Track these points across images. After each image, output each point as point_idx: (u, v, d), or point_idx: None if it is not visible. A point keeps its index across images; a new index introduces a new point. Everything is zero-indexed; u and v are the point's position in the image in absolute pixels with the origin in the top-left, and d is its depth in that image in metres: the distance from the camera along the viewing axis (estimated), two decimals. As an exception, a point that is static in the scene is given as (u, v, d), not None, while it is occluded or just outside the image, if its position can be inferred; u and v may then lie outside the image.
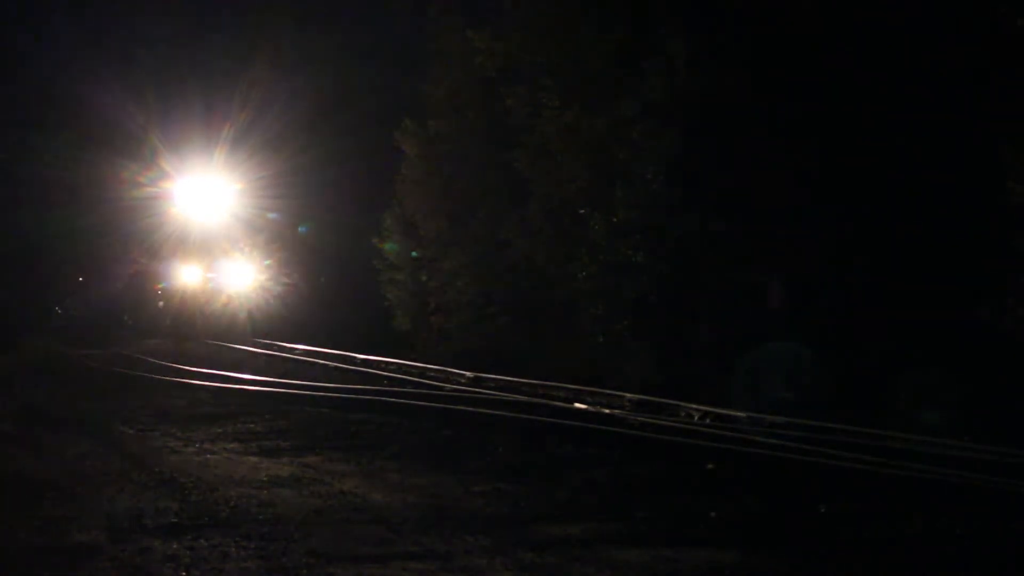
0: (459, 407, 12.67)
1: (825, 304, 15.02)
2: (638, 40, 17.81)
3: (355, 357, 20.73)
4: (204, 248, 30.73)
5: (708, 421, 11.86)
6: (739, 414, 11.79)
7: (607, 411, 12.58)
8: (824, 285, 15.24)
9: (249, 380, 17.07)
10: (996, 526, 7.04)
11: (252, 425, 12.36)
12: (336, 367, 19.80)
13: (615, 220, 17.78)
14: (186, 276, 30.84)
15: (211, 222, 30.60)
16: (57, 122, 34.76)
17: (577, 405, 13.34)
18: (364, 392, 14.61)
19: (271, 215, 30.11)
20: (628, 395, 13.42)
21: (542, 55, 20.17)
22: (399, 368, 19.05)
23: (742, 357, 14.26)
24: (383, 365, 19.48)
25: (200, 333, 28.29)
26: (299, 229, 30.70)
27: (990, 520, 7.14)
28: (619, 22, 18.42)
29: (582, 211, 18.89)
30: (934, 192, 13.86)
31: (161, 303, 31.83)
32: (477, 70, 22.48)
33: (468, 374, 17.06)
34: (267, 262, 30.77)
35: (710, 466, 9.10)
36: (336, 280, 29.54)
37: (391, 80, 27.66)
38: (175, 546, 6.66)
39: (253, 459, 10.00)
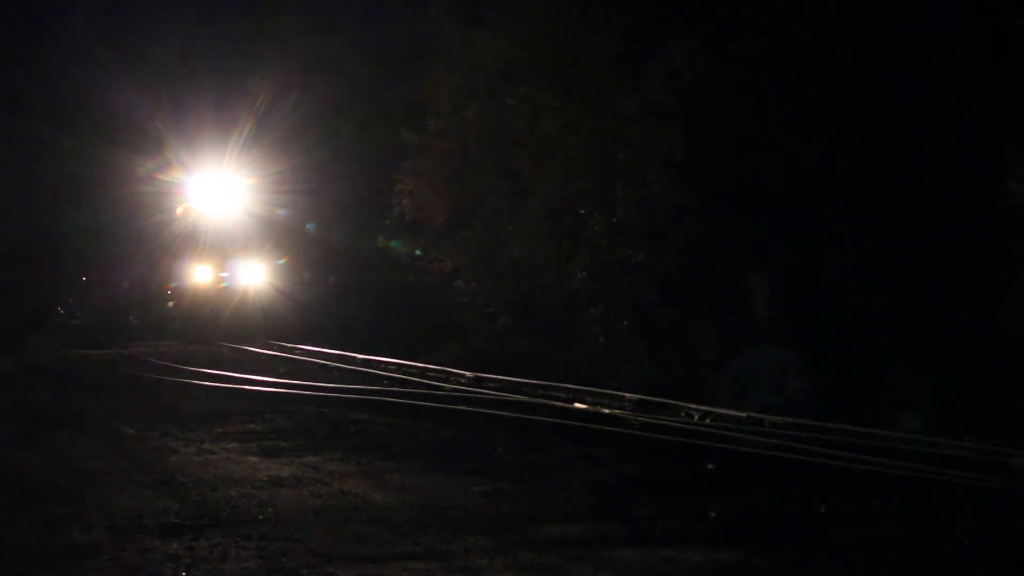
0: (459, 407, 12.67)
1: (822, 305, 15.01)
2: (638, 40, 17.82)
3: (355, 357, 20.75)
4: (215, 246, 30.68)
5: (708, 421, 11.85)
6: (739, 414, 11.78)
7: (607, 411, 12.58)
8: (822, 285, 15.24)
9: (250, 380, 17.09)
10: (996, 526, 7.04)
11: (252, 425, 12.38)
12: (336, 367, 19.82)
13: (615, 220, 17.78)
14: (197, 275, 30.74)
15: (222, 219, 30.57)
16: (66, 117, 34.66)
17: (577, 405, 13.33)
18: (364, 392, 14.63)
19: (280, 211, 30.12)
20: (628, 395, 13.41)
21: (542, 55, 20.18)
22: (399, 368, 19.06)
23: (730, 360, 14.25)
24: (383, 365, 19.49)
25: (211, 335, 28.17)
26: (307, 226, 30.70)
27: (990, 520, 7.14)
28: (620, 22, 18.43)
29: (582, 211, 18.90)
30: (934, 192, 13.86)
31: (171, 303, 31.72)
32: (478, 70, 22.50)
33: (468, 374, 17.05)
34: (280, 261, 30.77)
35: (710, 466, 9.10)
36: (343, 279, 29.56)
37: (394, 80, 27.67)
38: (175, 546, 6.67)
39: (253, 459, 10.01)
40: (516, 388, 15.45)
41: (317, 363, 20.73)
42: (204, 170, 30.37)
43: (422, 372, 18.43)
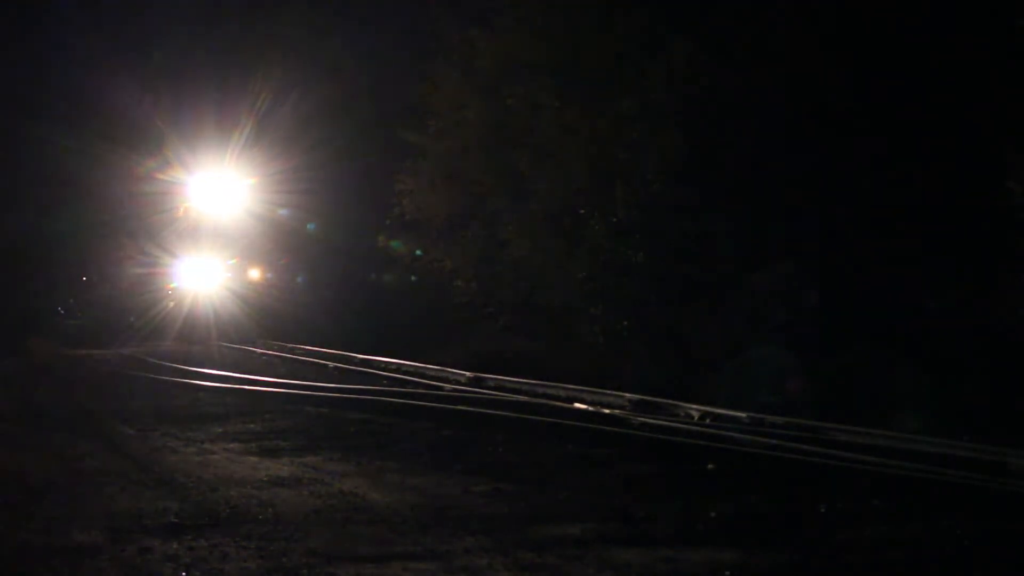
0: (459, 407, 12.66)
1: (822, 304, 15.02)
2: (638, 40, 17.83)
3: (355, 357, 20.75)
4: (216, 246, 30.68)
5: (708, 421, 11.85)
6: (739, 414, 11.78)
7: (607, 411, 12.58)
8: (822, 285, 15.24)
9: (249, 380, 17.08)
10: (996, 526, 7.04)
11: (252, 425, 12.37)
12: (336, 367, 19.83)
13: (615, 220, 17.81)
14: (198, 275, 30.71)
15: (223, 219, 30.55)
16: (64, 114, 34.52)
17: (577, 405, 13.33)
18: (364, 392, 14.62)
19: (281, 211, 30.11)
20: (628, 395, 13.41)
21: (542, 54, 20.19)
22: (399, 368, 19.05)
23: (730, 360, 14.25)
24: (382, 365, 19.49)
25: (211, 335, 28.13)
26: (308, 226, 30.69)
27: (990, 520, 7.14)
28: (620, 22, 18.44)
29: (582, 211, 18.91)
30: (934, 192, 13.87)
31: (172, 303, 31.69)
32: (478, 70, 22.51)
33: (467, 374, 17.05)
34: (280, 261, 30.75)
35: (710, 466, 9.10)
36: (344, 279, 29.56)
37: (394, 80, 27.67)
38: (175, 546, 6.67)
39: (253, 459, 10.01)
40: (515, 388, 15.45)
41: (317, 363, 20.73)
42: (205, 169, 30.35)
43: (422, 372, 18.43)
